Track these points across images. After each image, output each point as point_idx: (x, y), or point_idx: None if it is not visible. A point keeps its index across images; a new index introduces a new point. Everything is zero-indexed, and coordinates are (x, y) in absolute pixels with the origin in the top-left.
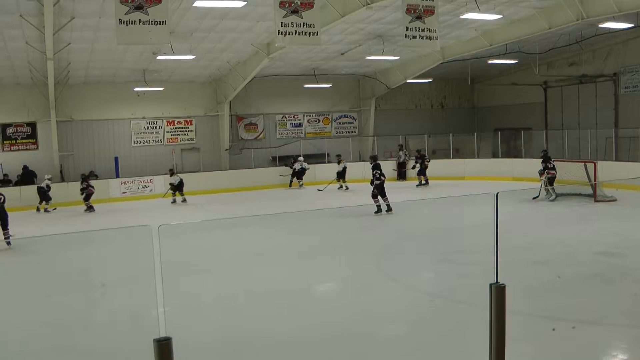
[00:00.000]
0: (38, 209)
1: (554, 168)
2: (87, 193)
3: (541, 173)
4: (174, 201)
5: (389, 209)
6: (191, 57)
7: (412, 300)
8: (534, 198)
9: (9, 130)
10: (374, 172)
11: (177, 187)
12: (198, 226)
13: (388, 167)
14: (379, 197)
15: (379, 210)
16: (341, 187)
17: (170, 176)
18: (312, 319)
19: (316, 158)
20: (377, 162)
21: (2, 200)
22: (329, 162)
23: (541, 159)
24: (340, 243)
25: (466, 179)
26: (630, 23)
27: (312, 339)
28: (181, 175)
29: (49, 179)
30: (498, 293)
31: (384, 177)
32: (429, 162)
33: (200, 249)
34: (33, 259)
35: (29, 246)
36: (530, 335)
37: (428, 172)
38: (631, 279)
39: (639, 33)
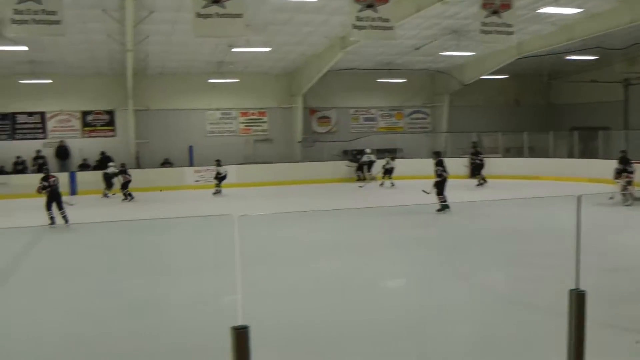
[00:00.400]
0: (105, 195)
1: (633, 172)
2: (124, 181)
3: (617, 175)
4: (218, 192)
5: (443, 208)
6: (266, 49)
7: (482, 301)
8: (610, 198)
9: (89, 118)
10: (436, 168)
11: (222, 178)
12: (274, 217)
13: (461, 164)
14: (442, 193)
15: (442, 208)
16: (382, 184)
17: (218, 166)
18: (380, 314)
19: (388, 153)
20: (440, 158)
21: (56, 182)
22: (401, 157)
23: (619, 160)
24: (409, 240)
25: (540, 179)
26: None
27: (379, 335)
28: (255, 167)
29: (113, 166)
30: (578, 300)
31: (447, 174)
32: (482, 160)
33: (274, 239)
34: (113, 242)
35: (107, 229)
36: (611, 348)
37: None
38: None
39: None
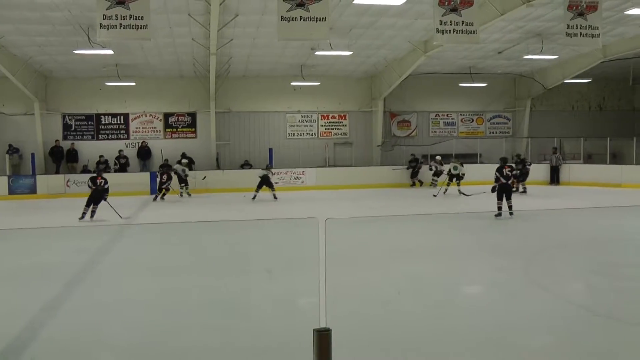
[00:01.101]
0: (181, 194)
1: None
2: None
3: None
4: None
5: (497, 214)
6: (348, 53)
7: (563, 312)
8: None
9: (171, 119)
10: (495, 174)
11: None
12: (356, 221)
13: (542, 170)
14: (498, 199)
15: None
16: (446, 190)
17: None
18: (460, 320)
19: (470, 158)
20: (501, 164)
21: (103, 185)
22: (480, 162)
23: None
24: (488, 246)
25: (623, 187)
26: None
27: (459, 342)
28: (335, 170)
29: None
30: None
31: (503, 180)
32: (530, 166)
33: (356, 242)
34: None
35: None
36: None
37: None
38: None
39: None
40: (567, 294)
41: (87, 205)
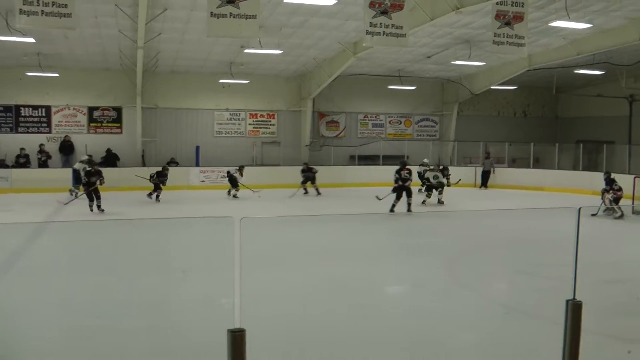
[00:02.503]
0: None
1: (620, 189)
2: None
3: (605, 192)
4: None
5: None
6: (278, 51)
7: (485, 310)
8: (592, 215)
9: (96, 113)
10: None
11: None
12: (277, 221)
13: (469, 173)
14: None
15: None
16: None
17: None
18: (381, 321)
19: (396, 160)
20: (400, 167)
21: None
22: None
23: (605, 180)
24: (413, 246)
25: (545, 190)
26: None
27: (380, 342)
28: (262, 169)
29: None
30: (574, 310)
31: (401, 182)
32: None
33: (276, 243)
34: (114, 240)
35: (109, 227)
36: (604, 357)
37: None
38: None
39: None
40: (488, 293)
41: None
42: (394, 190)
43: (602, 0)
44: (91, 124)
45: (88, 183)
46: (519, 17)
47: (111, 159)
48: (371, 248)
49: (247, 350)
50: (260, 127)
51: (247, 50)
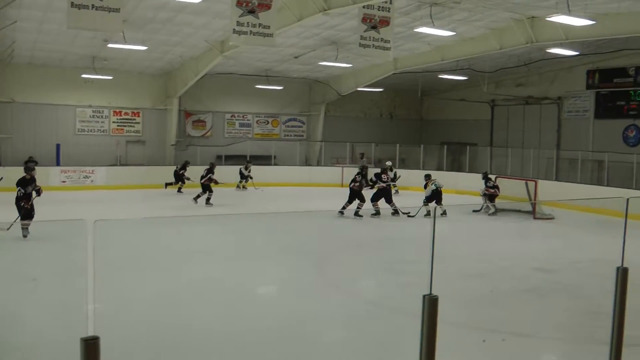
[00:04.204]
0: None
1: (494, 187)
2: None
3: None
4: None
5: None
6: (143, 48)
7: (351, 307)
8: (474, 210)
9: None
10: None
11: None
12: (136, 222)
13: (336, 173)
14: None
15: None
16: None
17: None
18: (251, 320)
19: (263, 160)
20: (381, 171)
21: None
22: (275, 164)
23: (483, 179)
24: (284, 246)
25: (411, 189)
26: (575, 51)
27: (250, 341)
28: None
29: None
30: (430, 304)
31: (383, 184)
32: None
33: (139, 245)
34: None
35: None
36: (461, 346)
37: None
38: (564, 294)
39: (583, 61)
40: (355, 290)
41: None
42: (377, 195)
43: (465, 10)
44: None
45: None
46: (385, 22)
47: None
48: (241, 249)
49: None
50: (125, 126)
51: (110, 45)
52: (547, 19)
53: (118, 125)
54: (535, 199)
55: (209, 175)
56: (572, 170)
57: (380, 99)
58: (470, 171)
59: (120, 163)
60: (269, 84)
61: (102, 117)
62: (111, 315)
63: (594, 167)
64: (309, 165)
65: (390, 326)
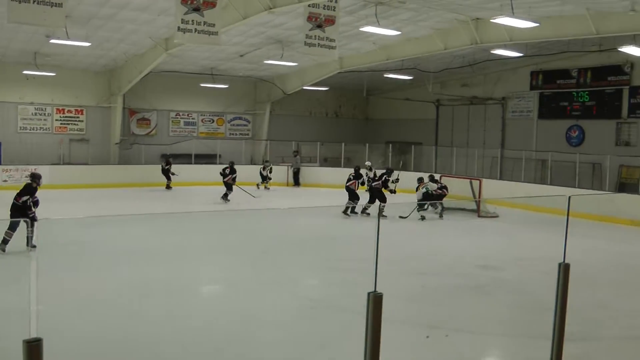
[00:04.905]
0: None
1: (442, 187)
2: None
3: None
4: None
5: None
6: (87, 44)
7: (294, 305)
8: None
9: None
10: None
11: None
12: (81, 222)
13: (282, 172)
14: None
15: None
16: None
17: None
18: (193, 320)
19: (208, 158)
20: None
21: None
22: (220, 163)
23: (431, 181)
24: (226, 245)
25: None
26: (519, 52)
27: (192, 341)
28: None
29: None
30: (375, 301)
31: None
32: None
33: (82, 245)
34: None
35: None
36: (405, 343)
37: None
38: (507, 290)
39: (526, 62)
40: (298, 289)
41: None
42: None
43: (410, 10)
44: None
45: None
46: (331, 21)
47: None
48: (179, 248)
49: None
50: (68, 124)
51: (53, 41)
52: (492, 20)
53: (61, 124)
54: (479, 198)
55: (232, 176)
56: (516, 170)
57: (326, 97)
58: (415, 170)
59: (63, 162)
60: (214, 83)
61: (44, 114)
62: (54, 317)
63: (537, 167)
64: (254, 164)
65: (335, 324)
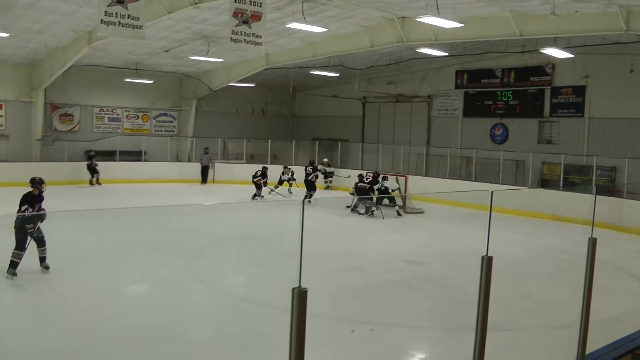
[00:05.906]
0: None
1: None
2: None
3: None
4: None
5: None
6: (4, 34)
7: (221, 303)
8: (347, 207)
9: None
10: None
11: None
12: None
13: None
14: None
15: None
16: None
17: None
18: (119, 320)
19: (133, 155)
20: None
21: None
22: (145, 160)
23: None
24: (153, 243)
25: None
26: (445, 51)
27: (118, 342)
28: None
29: None
30: (300, 297)
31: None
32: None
33: None
34: None
35: None
36: (330, 338)
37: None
38: (433, 285)
39: (452, 61)
40: (224, 287)
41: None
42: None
43: (337, 7)
44: None
45: None
46: (257, 17)
47: None
48: (104, 246)
49: None
50: None
51: None
52: (417, 19)
53: None
54: (405, 194)
55: (264, 179)
56: (441, 166)
57: (252, 94)
58: (342, 167)
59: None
60: (139, 78)
61: None
62: None
63: (462, 164)
64: (180, 161)
65: (260, 321)
